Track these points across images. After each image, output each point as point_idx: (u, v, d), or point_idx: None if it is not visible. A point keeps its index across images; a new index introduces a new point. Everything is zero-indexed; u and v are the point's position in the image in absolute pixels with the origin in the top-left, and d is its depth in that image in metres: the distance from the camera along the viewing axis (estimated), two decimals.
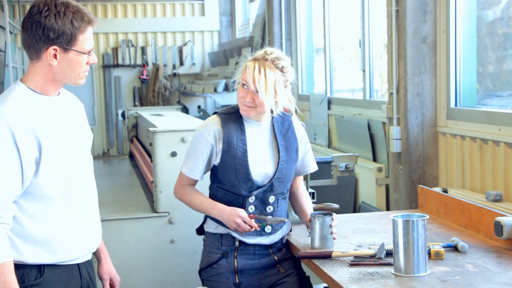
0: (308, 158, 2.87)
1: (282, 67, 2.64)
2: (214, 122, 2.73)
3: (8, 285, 2.06)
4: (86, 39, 2.19)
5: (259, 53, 2.67)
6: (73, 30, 2.15)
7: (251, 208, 2.69)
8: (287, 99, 2.72)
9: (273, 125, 2.76)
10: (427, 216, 2.33)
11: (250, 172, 2.66)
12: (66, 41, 2.15)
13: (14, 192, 2.10)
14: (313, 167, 2.90)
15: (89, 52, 2.22)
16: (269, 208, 2.71)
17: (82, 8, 2.19)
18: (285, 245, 2.83)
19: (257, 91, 2.61)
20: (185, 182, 2.79)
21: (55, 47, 2.15)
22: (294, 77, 2.72)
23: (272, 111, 2.73)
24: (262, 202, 2.70)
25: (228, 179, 2.69)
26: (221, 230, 2.74)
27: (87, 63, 2.22)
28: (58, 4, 2.14)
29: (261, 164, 2.69)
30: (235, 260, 2.72)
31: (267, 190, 2.69)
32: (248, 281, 2.74)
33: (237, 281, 2.73)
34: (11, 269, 2.08)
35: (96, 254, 2.51)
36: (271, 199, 2.71)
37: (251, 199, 2.68)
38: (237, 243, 2.72)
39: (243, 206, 2.68)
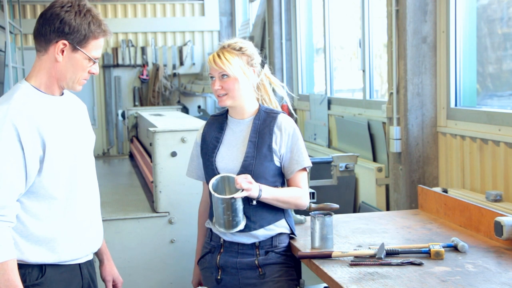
0: (294, 155, 2.67)
1: (240, 47, 2.67)
2: (204, 124, 2.85)
3: (11, 283, 2.06)
4: (96, 46, 2.22)
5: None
6: (88, 32, 2.18)
7: None
8: (257, 77, 2.71)
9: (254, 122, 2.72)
10: None
11: (215, 168, 2.69)
12: (78, 40, 2.18)
13: (17, 190, 2.11)
14: (301, 164, 2.67)
15: (95, 59, 2.24)
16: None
17: (102, 18, 2.24)
18: (280, 251, 2.73)
19: (223, 76, 2.63)
20: (203, 192, 2.91)
21: (65, 42, 2.17)
22: (259, 59, 2.72)
23: (257, 107, 2.72)
24: None
25: (206, 175, 2.77)
26: (208, 224, 2.82)
27: (88, 72, 2.24)
28: (82, 5, 2.20)
29: (228, 160, 2.69)
30: (218, 256, 2.74)
31: None
32: (228, 278, 2.74)
33: (219, 277, 2.75)
34: (14, 267, 2.09)
35: (98, 255, 2.52)
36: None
37: None
38: (221, 240, 2.74)
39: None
